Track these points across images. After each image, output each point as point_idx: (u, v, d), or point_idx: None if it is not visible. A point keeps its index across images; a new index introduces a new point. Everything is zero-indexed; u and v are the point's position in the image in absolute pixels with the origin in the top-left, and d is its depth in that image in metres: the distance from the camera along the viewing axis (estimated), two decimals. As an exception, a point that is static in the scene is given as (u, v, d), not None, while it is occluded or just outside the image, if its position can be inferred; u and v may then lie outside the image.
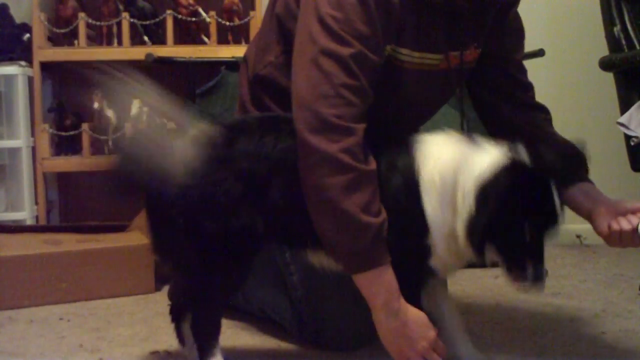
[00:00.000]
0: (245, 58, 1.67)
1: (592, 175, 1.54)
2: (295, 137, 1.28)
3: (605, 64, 2.20)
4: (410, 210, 1.29)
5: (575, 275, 2.29)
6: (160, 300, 2.04)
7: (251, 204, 1.31)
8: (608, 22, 2.24)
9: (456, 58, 1.48)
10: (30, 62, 2.55)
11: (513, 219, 1.21)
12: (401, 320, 1.28)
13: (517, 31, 1.62)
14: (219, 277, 1.34)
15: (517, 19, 1.61)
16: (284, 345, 1.63)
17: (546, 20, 2.89)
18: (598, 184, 1.54)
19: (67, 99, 2.72)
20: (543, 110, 1.63)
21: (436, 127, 1.47)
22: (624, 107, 2.13)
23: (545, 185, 1.22)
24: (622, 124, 2.06)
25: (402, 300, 1.29)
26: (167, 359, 1.54)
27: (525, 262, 1.22)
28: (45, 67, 2.59)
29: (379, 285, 1.28)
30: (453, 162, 1.27)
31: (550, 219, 1.23)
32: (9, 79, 2.50)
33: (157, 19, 2.58)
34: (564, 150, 1.50)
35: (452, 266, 1.37)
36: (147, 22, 2.57)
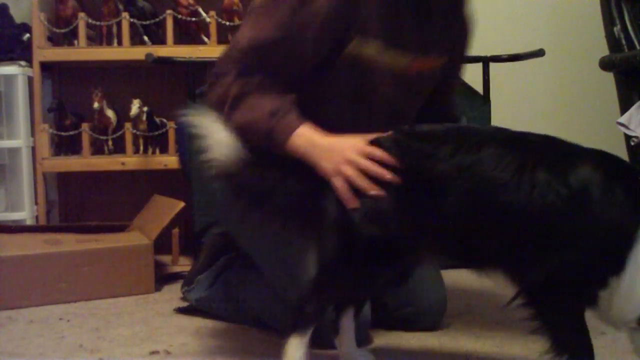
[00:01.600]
0: None
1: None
2: (476, 151, 1.20)
3: (605, 64, 2.20)
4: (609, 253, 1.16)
5: (575, 275, 2.29)
6: (160, 300, 2.04)
7: (413, 218, 1.24)
8: (608, 22, 2.24)
9: (426, 62, 1.47)
10: (30, 62, 2.55)
11: None
12: (327, 141, 1.32)
13: (467, 34, 1.59)
14: (350, 281, 1.30)
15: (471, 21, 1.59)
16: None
17: (546, 20, 2.89)
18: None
19: (67, 99, 2.73)
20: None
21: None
22: (624, 107, 2.13)
23: None
24: (622, 124, 2.06)
25: (329, 135, 1.33)
26: (167, 359, 1.54)
27: None
28: (45, 67, 2.59)
29: (301, 143, 1.33)
30: None
31: None
32: (9, 79, 2.50)
33: (157, 19, 2.58)
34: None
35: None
36: (147, 22, 2.57)
